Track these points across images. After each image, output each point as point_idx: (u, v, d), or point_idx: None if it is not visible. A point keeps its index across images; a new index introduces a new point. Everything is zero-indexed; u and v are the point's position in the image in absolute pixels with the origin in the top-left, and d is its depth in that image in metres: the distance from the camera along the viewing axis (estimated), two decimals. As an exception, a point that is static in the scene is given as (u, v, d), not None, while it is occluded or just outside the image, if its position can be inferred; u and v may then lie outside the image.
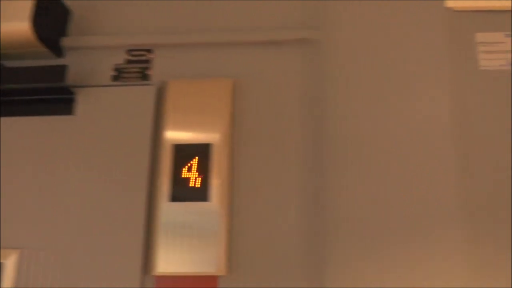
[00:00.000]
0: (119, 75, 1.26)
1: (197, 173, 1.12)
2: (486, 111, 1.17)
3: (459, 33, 1.21)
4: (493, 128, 1.17)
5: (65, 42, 1.29)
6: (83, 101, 1.23)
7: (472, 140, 1.16)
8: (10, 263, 1.15)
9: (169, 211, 1.09)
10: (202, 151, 1.14)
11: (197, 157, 1.13)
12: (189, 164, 1.13)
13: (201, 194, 1.11)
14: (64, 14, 1.31)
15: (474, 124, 1.17)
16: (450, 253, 1.11)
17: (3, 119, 1.23)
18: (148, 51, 1.27)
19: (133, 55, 1.28)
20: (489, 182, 1.16)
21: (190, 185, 1.11)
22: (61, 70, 1.17)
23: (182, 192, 1.11)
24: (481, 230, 1.13)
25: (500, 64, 1.20)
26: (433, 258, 1.11)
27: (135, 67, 1.25)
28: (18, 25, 1.19)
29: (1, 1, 1.20)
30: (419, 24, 1.20)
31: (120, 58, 1.29)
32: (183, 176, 1.12)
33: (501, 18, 1.23)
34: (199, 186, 1.11)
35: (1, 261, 1.12)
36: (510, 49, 1.20)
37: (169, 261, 1.08)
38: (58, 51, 1.27)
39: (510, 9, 1.19)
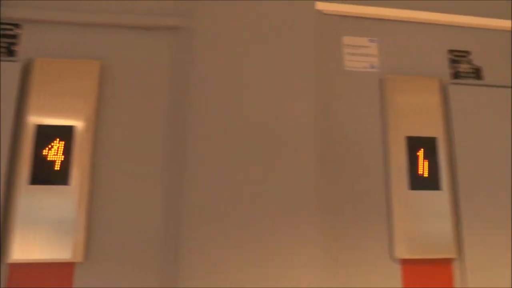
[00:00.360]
0: (-18, 48, 1.19)
1: (59, 156, 1.08)
2: (348, 109, 1.25)
3: (327, 35, 1.27)
4: (354, 125, 1.25)
5: None
6: None
7: (332, 137, 1.23)
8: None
9: (28, 194, 1.04)
10: (65, 133, 1.10)
11: (59, 139, 1.09)
12: (50, 146, 1.09)
13: (61, 178, 1.08)
14: None
15: (336, 121, 1.24)
16: (306, 248, 1.18)
17: None
18: (16, 26, 1.20)
19: (-2, 29, 1.21)
20: (346, 180, 1.24)
21: (51, 168, 1.07)
22: None
23: (42, 175, 1.07)
24: (336, 226, 1.21)
25: (363, 66, 1.28)
26: (289, 252, 1.17)
27: (1, 42, 1.18)
28: None
29: None
30: (289, 23, 1.25)
31: (-17, 30, 1.21)
32: (44, 158, 1.07)
33: (367, 24, 1.31)
34: (58, 169, 1.07)
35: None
36: (374, 53, 1.28)
37: (24, 247, 1.04)
38: None
39: (376, 16, 1.28)
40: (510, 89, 1.40)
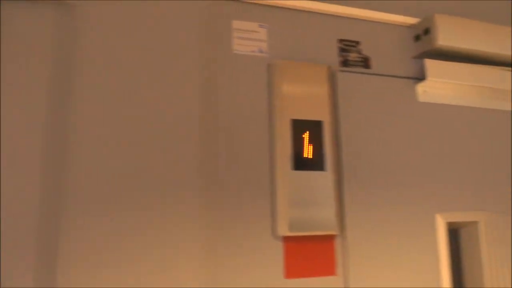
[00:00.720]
0: None
1: None
2: (236, 92, 1.32)
3: (217, 19, 1.32)
4: (241, 107, 1.32)
5: None
6: None
7: (219, 118, 1.30)
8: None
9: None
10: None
11: None
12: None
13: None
14: None
15: (223, 103, 1.31)
16: (187, 226, 1.22)
17: None
18: None
19: None
20: (232, 161, 1.29)
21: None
22: None
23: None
24: (219, 206, 1.26)
25: (252, 51, 1.32)
26: (171, 230, 1.21)
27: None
28: None
29: None
30: (178, 6, 1.29)
31: None
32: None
33: (258, 10, 1.36)
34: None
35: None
36: (263, 38, 1.33)
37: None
38: None
39: (268, 3, 1.33)
40: (396, 79, 1.46)
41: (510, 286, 1.50)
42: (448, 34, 1.44)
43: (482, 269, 1.48)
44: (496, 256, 1.51)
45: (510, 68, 1.58)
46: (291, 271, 1.27)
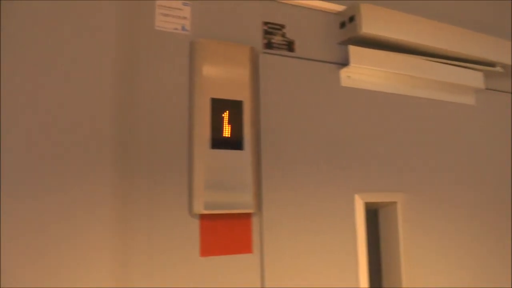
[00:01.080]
0: None
1: None
2: (156, 68, 1.32)
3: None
4: (160, 84, 1.33)
5: None
6: None
7: (137, 94, 1.29)
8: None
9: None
10: None
11: None
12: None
13: None
14: None
15: (142, 79, 1.30)
16: (99, 198, 1.22)
17: None
18: None
19: None
20: (149, 139, 1.29)
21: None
22: None
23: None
24: (135, 184, 1.26)
25: (174, 28, 1.32)
26: (83, 208, 1.20)
27: None
28: None
29: None
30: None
31: None
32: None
33: (182, -12, 1.35)
34: None
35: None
36: (186, 16, 1.33)
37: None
38: None
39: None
40: (320, 63, 1.49)
41: (426, 266, 1.56)
42: (371, 23, 1.48)
43: (399, 248, 1.53)
44: (413, 236, 1.56)
45: (431, 58, 1.63)
46: (206, 249, 1.29)
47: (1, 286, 1.08)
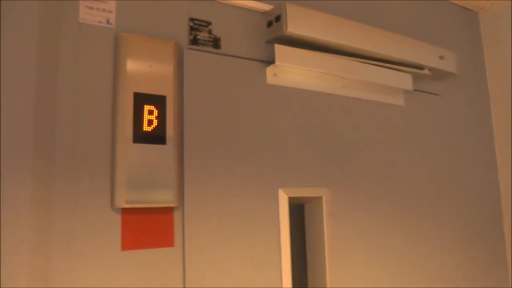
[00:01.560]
0: None
1: None
2: (79, 61, 1.32)
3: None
4: (82, 78, 1.32)
5: None
6: None
7: (59, 87, 1.29)
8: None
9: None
10: None
11: None
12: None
13: None
14: None
15: (62, 70, 1.30)
16: (19, 192, 1.20)
17: None
18: None
19: None
20: (69, 133, 1.29)
21: None
22: None
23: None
24: (57, 180, 1.25)
25: (99, 21, 1.32)
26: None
27: None
28: None
29: None
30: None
31: None
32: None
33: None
34: None
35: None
36: (111, 9, 1.33)
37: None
38: None
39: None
40: (246, 60, 1.52)
41: (351, 259, 1.62)
42: (297, 23, 1.52)
43: (324, 242, 1.57)
44: (337, 230, 1.61)
45: (360, 60, 1.69)
46: (128, 243, 1.29)
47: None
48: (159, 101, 1.34)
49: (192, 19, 1.44)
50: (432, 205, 1.93)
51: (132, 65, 1.31)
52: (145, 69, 1.33)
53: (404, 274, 1.78)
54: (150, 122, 1.33)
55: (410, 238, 1.83)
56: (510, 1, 2.19)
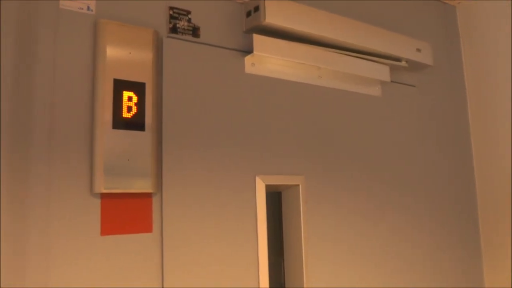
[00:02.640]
0: None
1: None
2: (58, 47, 1.33)
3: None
4: (63, 64, 1.33)
5: None
6: None
7: (36, 72, 1.30)
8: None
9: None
10: None
11: None
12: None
13: None
14: None
15: (41, 56, 1.31)
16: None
17: None
18: None
19: None
20: (46, 119, 1.31)
21: None
22: None
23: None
24: (30, 158, 1.25)
25: (79, 7, 1.33)
26: None
27: None
28: None
29: None
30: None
31: None
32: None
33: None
34: None
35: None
36: (91, -3, 1.34)
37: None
38: None
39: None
40: (225, 50, 1.54)
41: (326, 247, 1.64)
42: (275, 13, 1.55)
43: (301, 228, 1.61)
44: (314, 218, 1.65)
45: (338, 51, 1.73)
46: (107, 228, 1.31)
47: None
48: (138, 88, 1.36)
49: (171, 8, 1.46)
50: (407, 194, 1.98)
51: (112, 52, 1.32)
52: (125, 56, 1.34)
53: (379, 259, 1.82)
54: (129, 109, 1.34)
55: (385, 226, 1.88)
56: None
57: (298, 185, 1.65)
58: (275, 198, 1.71)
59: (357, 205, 1.80)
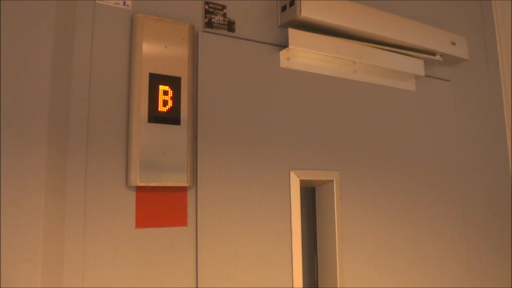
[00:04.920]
0: None
1: None
2: (95, 42, 1.35)
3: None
4: (100, 58, 1.35)
5: None
6: None
7: (73, 66, 1.31)
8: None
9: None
10: None
11: None
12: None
13: None
14: None
15: (78, 50, 1.32)
16: (33, 169, 1.21)
17: None
18: None
19: None
20: (85, 113, 1.33)
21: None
22: None
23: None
24: (71, 158, 1.28)
25: (115, 2, 1.34)
26: (16, 173, 1.20)
27: None
28: None
29: None
30: None
31: None
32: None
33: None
34: None
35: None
36: (127, -8, 1.34)
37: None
38: None
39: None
40: (260, 44, 1.53)
41: (361, 244, 1.63)
42: (310, 7, 1.53)
43: (335, 224, 1.60)
44: (348, 214, 1.63)
45: (373, 45, 1.70)
46: (142, 221, 1.31)
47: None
48: (174, 82, 1.36)
49: (207, 2, 1.46)
50: (442, 193, 1.94)
51: (148, 46, 1.32)
52: (161, 51, 1.35)
53: (415, 256, 1.79)
54: (165, 103, 1.34)
55: (421, 223, 1.84)
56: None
57: (333, 180, 1.63)
58: (308, 193, 1.68)
59: (392, 200, 1.77)
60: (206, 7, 1.45)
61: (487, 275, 2.08)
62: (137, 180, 1.28)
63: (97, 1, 1.32)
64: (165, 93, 1.35)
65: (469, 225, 2.05)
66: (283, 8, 1.58)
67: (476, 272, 2.04)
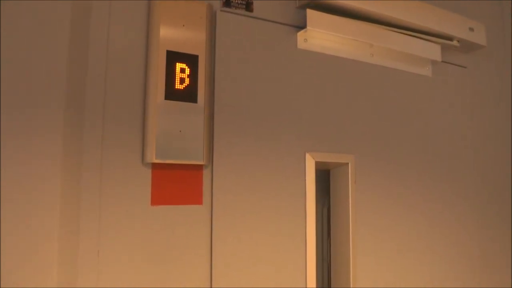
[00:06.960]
0: None
1: None
2: (113, 22, 1.35)
3: None
4: (117, 38, 1.35)
5: None
6: None
7: (94, 48, 1.31)
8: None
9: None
10: None
11: None
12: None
13: None
14: None
15: (97, 33, 1.31)
16: (50, 145, 1.23)
17: None
18: None
19: None
20: (103, 86, 1.32)
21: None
22: None
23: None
24: (85, 126, 1.28)
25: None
26: (33, 147, 1.21)
27: None
28: None
29: None
30: None
31: None
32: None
33: None
34: None
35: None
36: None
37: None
38: None
39: None
40: (277, 25, 1.52)
41: (374, 227, 1.62)
42: (329, -13, 1.51)
43: (349, 207, 1.59)
44: (362, 197, 1.63)
45: (390, 28, 1.68)
46: (157, 198, 1.32)
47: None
48: (191, 60, 1.36)
49: (225, -19, 1.44)
50: (457, 175, 1.93)
51: (165, 24, 1.33)
52: (179, 28, 1.34)
53: (429, 241, 1.79)
54: (182, 80, 1.33)
55: (435, 208, 1.84)
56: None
57: (348, 163, 1.62)
58: (323, 175, 1.68)
59: (406, 184, 1.77)
60: (224, -14, 1.44)
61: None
62: (153, 157, 1.28)
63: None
64: (182, 70, 1.34)
65: (485, 216, 2.04)
66: (302, -11, 1.56)
67: (496, 271, 2.02)
